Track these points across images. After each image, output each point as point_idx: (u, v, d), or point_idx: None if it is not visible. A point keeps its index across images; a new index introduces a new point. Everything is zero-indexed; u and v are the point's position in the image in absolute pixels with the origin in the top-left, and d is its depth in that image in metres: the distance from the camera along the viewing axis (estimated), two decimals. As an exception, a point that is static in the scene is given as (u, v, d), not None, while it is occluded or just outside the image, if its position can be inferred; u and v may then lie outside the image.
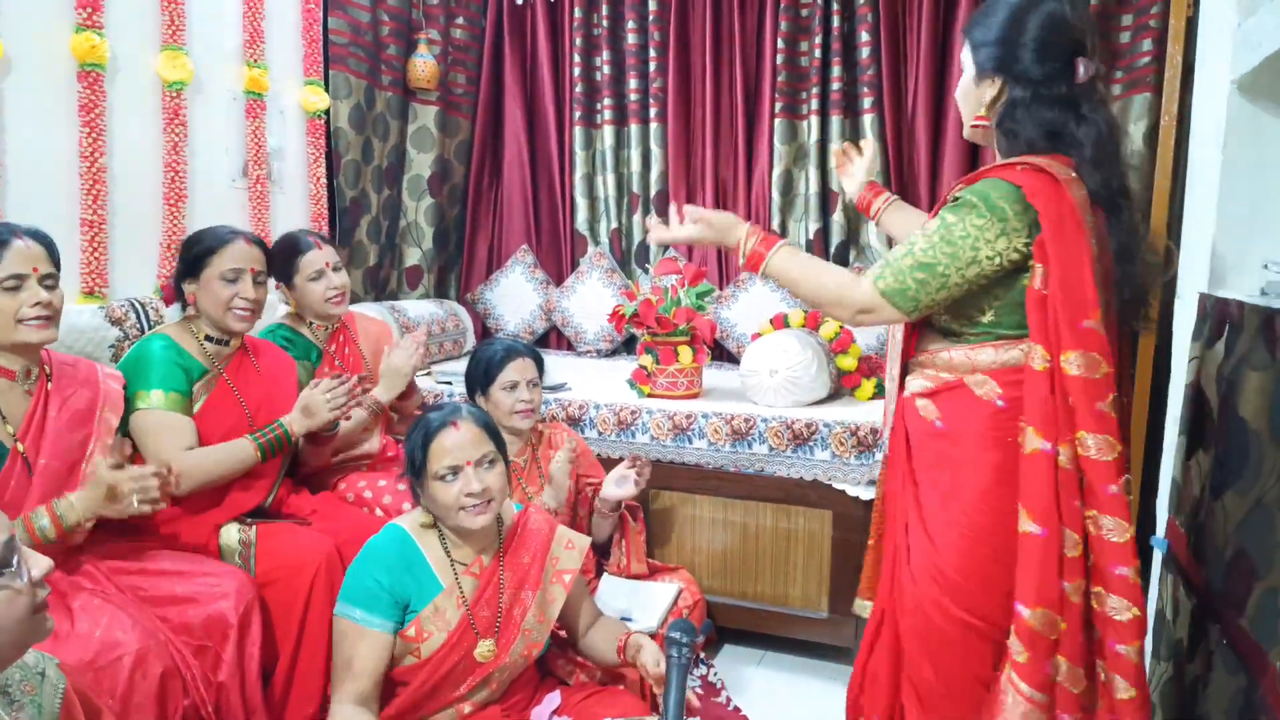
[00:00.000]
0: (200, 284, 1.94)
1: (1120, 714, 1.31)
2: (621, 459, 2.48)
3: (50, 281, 1.65)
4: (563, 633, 1.89)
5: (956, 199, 1.40)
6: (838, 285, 1.45)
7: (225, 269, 1.93)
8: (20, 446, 1.62)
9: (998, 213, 1.35)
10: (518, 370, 2.21)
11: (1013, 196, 1.35)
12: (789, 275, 1.49)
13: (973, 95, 1.50)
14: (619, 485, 2.28)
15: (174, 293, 2.02)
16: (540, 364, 2.30)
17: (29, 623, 0.96)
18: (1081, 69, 1.41)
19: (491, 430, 1.69)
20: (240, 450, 1.89)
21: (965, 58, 1.51)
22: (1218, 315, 1.63)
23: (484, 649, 1.64)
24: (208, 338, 1.98)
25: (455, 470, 1.61)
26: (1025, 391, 1.36)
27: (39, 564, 0.98)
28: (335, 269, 2.27)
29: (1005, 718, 1.35)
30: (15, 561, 0.95)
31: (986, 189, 1.37)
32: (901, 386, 1.59)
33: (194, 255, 1.95)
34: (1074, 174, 1.38)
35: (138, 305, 2.28)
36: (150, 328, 2.27)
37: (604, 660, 1.80)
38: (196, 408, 1.92)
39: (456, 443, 1.62)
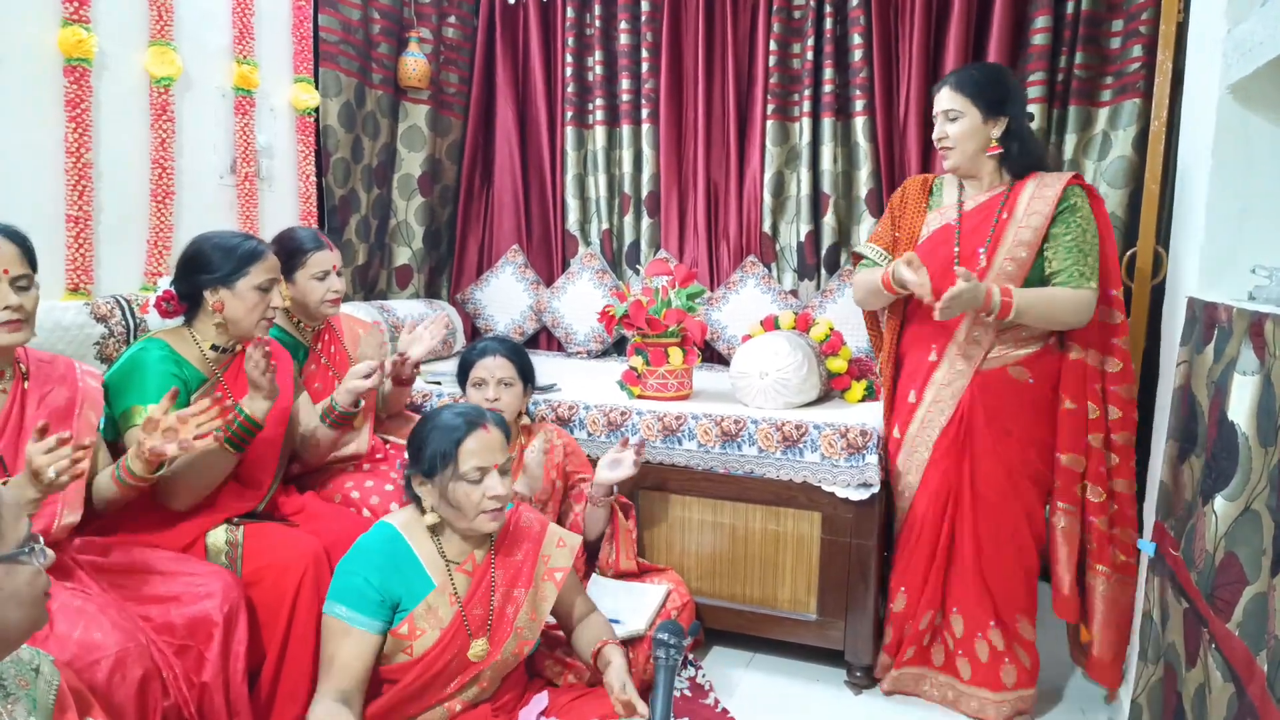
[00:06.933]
0: (236, 291, 1.89)
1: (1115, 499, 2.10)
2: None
3: (23, 283, 1.58)
4: (556, 632, 1.89)
5: (1071, 203, 2.04)
6: (1074, 296, 1.99)
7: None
8: None
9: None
10: (486, 369, 2.23)
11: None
12: (1038, 308, 1.99)
13: (981, 133, 2.10)
14: (612, 469, 2.26)
15: (179, 301, 1.95)
16: (520, 363, 2.29)
17: (40, 606, 1.00)
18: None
19: (509, 438, 1.74)
20: (212, 455, 1.78)
21: (962, 106, 2.08)
22: (1207, 319, 1.64)
23: (477, 648, 1.64)
24: (213, 346, 1.93)
25: (483, 471, 1.63)
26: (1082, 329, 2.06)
27: (44, 555, 1.02)
28: (339, 273, 2.30)
29: (1053, 522, 2.14)
30: (37, 545, 1.00)
31: (1081, 191, 2.06)
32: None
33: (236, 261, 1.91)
34: None
35: (123, 302, 2.26)
36: (136, 325, 2.24)
37: (584, 659, 1.80)
38: None
39: (486, 445, 1.65)
